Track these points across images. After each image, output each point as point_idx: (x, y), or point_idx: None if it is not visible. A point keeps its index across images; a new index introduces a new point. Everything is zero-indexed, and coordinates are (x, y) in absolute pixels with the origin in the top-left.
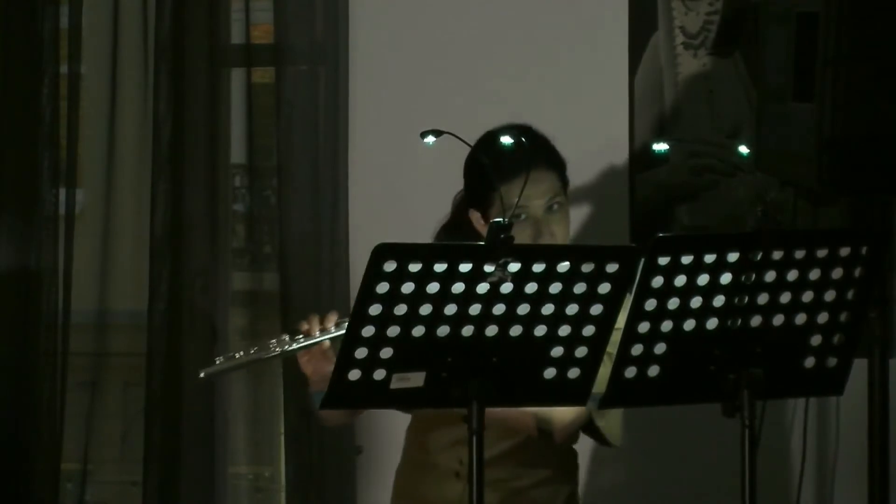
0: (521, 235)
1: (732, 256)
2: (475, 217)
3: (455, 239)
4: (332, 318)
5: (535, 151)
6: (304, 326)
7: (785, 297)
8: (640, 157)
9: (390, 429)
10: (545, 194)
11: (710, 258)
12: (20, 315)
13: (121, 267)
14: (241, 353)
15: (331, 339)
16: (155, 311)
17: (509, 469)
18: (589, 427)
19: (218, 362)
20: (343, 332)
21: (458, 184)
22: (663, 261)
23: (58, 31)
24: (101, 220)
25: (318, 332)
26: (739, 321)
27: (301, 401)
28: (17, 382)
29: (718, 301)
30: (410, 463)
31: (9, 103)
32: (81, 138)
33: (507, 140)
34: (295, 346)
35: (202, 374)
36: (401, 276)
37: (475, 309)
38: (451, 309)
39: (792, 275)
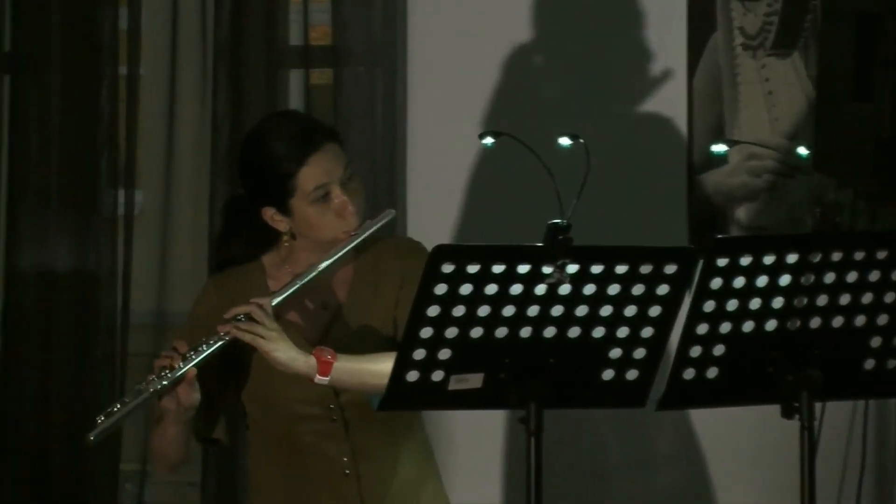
0: (327, 216)
1: (791, 258)
2: (269, 214)
3: (237, 244)
4: (183, 346)
5: (313, 127)
6: (164, 361)
7: (844, 299)
8: (699, 158)
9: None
10: (340, 165)
11: (768, 259)
12: (79, 316)
13: (179, 268)
14: (118, 405)
15: (195, 365)
16: None
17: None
18: None
19: (100, 421)
20: (201, 355)
21: (516, 185)
22: (722, 262)
23: (117, 32)
24: (159, 221)
25: (181, 363)
26: (798, 323)
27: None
28: (77, 383)
29: (777, 302)
30: (278, 469)
31: (69, 105)
32: (140, 140)
33: (565, 141)
34: (165, 382)
35: (91, 438)
36: (459, 277)
37: (533, 310)
38: (509, 310)
39: (851, 276)
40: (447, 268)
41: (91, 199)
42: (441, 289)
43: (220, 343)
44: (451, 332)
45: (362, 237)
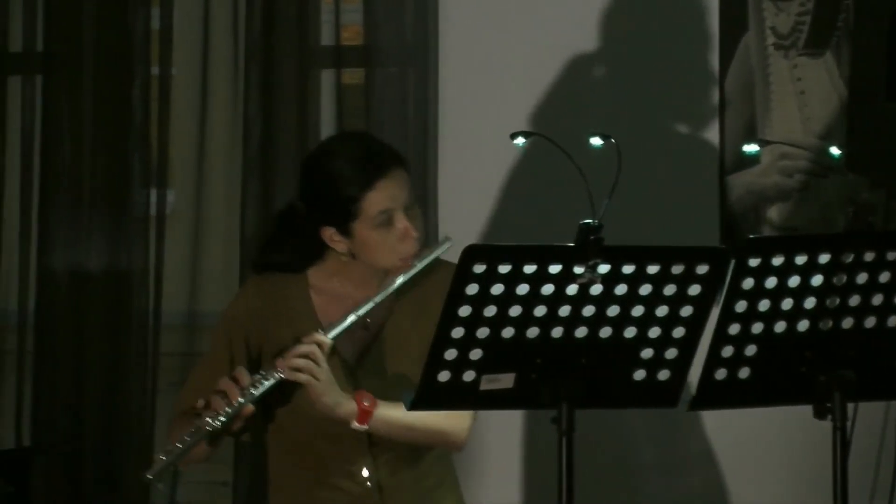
0: (388, 241)
1: (824, 258)
2: (328, 234)
3: (286, 253)
4: (243, 377)
5: (382, 151)
6: (220, 404)
7: (877, 299)
8: (731, 158)
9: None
10: (405, 191)
11: (800, 259)
12: (111, 316)
13: (211, 267)
14: (178, 444)
15: (253, 401)
16: None
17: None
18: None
19: (159, 458)
20: (259, 392)
21: (548, 185)
22: (754, 262)
23: (149, 32)
24: (191, 220)
25: (239, 398)
26: (831, 323)
27: None
28: (109, 382)
29: (809, 303)
30: (299, 475)
31: (101, 105)
32: (172, 139)
33: (596, 141)
34: (224, 418)
35: (150, 476)
36: (490, 277)
37: (565, 310)
38: (540, 310)
39: (884, 276)
40: (478, 268)
41: (123, 198)
42: (472, 289)
43: (276, 381)
44: (483, 332)
45: (420, 268)
